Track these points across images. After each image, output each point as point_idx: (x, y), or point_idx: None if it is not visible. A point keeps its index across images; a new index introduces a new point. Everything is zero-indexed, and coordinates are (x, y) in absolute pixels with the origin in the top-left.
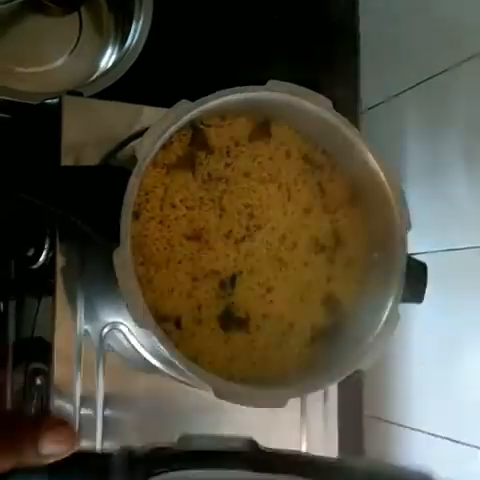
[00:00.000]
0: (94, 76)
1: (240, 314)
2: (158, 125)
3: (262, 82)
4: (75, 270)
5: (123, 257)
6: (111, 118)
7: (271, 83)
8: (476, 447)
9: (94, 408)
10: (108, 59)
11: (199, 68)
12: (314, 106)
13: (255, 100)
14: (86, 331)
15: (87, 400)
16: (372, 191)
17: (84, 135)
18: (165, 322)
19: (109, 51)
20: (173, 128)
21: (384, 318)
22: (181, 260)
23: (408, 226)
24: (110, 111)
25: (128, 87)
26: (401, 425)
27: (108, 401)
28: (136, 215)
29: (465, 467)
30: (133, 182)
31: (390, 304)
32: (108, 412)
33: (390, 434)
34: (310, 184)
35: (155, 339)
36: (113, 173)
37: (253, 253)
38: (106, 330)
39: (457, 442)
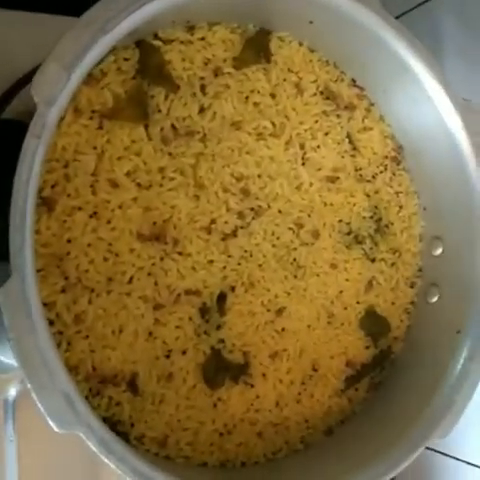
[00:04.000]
0: None
1: (235, 357)
2: (71, 39)
3: None
4: None
5: (17, 292)
6: (4, 37)
7: None
8: None
9: None
10: None
11: None
12: (352, 3)
13: None
14: None
15: None
16: (433, 143)
17: None
18: (110, 386)
19: None
20: (102, 44)
21: (465, 350)
22: (133, 277)
23: None
24: (3, 26)
25: None
26: (458, 459)
27: None
28: (49, 205)
29: None
30: (32, 145)
31: (473, 322)
32: None
33: (444, 469)
34: (334, 136)
35: (82, 435)
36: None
37: (251, 255)
38: (13, 394)
39: None
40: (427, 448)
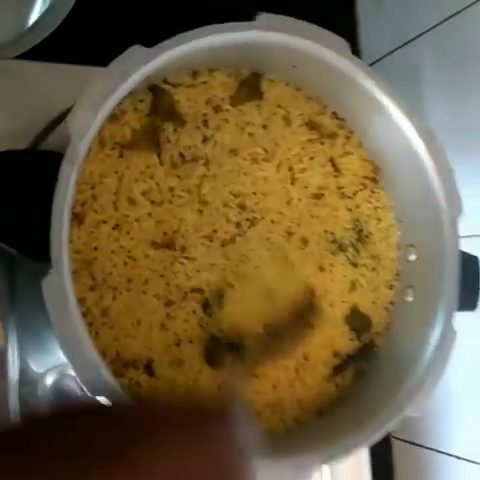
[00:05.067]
0: (19, 32)
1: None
2: (97, 86)
3: (248, 17)
4: (3, 294)
5: (56, 286)
6: (42, 84)
7: (264, 18)
8: None
9: None
10: (40, 9)
11: (159, 10)
12: (327, 51)
13: (241, 44)
14: (24, 379)
15: None
16: (404, 165)
17: (4, 108)
18: (131, 369)
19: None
20: (122, 89)
21: (434, 339)
22: (148, 278)
23: (458, 210)
24: (41, 75)
25: (64, 44)
26: (440, 451)
27: None
28: (79, 219)
29: None
30: (67, 171)
31: (441, 318)
32: None
33: (426, 462)
34: (319, 160)
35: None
36: (40, 160)
37: (248, 258)
38: (51, 378)
39: None
40: (419, 445)
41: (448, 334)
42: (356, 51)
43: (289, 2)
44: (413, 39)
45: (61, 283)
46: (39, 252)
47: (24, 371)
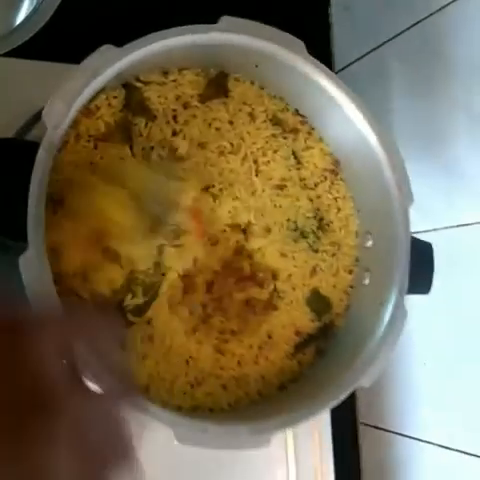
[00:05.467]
0: (6, 31)
1: None
2: (71, 81)
3: (213, 20)
4: None
5: (32, 262)
6: (27, 81)
7: (225, 21)
8: None
9: None
10: (26, 9)
11: (137, 14)
12: (283, 51)
13: (205, 45)
14: None
15: None
16: (361, 158)
17: None
18: None
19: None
20: (94, 84)
21: (387, 317)
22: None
23: (410, 199)
24: (26, 72)
25: (48, 43)
26: (408, 436)
27: None
28: (58, 205)
29: None
30: (42, 158)
31: (393, 298)
32: None
33: (390, 445)
34: (282, 153)
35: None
36: (20, 149)
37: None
38: None
39: (473, 456)
40: (384, 430)
41: (399, 313)
42: (328, 55)
43: (263, 8)
44: (384, 43)
45: (37, 260)
46: (19, 232)
47: None
